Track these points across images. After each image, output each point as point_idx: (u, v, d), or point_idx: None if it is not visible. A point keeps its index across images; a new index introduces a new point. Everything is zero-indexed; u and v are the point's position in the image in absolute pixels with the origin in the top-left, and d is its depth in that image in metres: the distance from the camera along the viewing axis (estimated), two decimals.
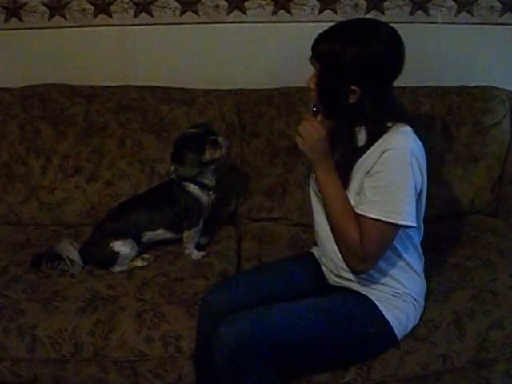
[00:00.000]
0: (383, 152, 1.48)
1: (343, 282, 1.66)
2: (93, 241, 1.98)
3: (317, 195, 1.67)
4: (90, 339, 1.69)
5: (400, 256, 1.61)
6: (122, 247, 1.93)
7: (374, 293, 1.61)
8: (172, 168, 2.00)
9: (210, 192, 2.03)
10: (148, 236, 2.01)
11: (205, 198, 2.01)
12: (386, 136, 1.51)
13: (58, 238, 2.07)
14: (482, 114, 2.24)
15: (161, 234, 2.02)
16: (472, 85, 2.31)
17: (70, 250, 1.92)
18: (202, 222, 2.02)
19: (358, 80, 1.48)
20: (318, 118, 1.58)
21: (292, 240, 2.12)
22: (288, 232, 2.17)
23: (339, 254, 1.59)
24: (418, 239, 1.65)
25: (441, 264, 1.91)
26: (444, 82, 2.33)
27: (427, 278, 1.71)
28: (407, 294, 1.62)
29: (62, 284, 1.85)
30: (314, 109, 1.58)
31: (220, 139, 1.97)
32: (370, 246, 1.50)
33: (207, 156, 1.95)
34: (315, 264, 1.76)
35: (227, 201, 2.25)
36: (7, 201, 2.22)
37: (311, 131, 1.53)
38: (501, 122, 2.24)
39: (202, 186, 2.00)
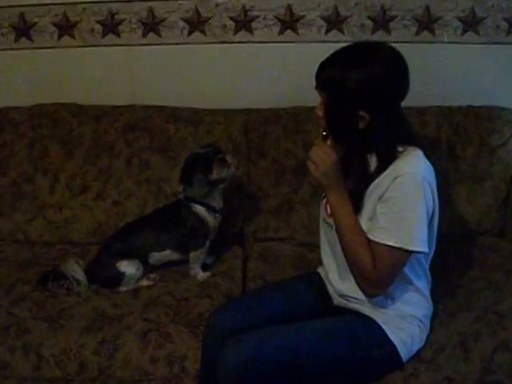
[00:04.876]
0: (395, 178, 1.47)
1: (348, 304, 1.65)
2: (99, 260, 1.99)
3: (325, 221, 1.67)
4: (95, 358, 1.69)
5: (410, 282, 1.60)
6: (127, 268, 1.93)
7: (379, 315, 1.60)
8: (181, 188, 2.00)
9: (217, 214, 2.02)
10: (155, 257, 2.01)
11: (211, 220, 2.00)
12: (397, 161, 1.50)
13: (64, 257, 2.08)
14: (488, 134, 2.24)
15: (168, 255, 2.02)
16: (478, 105, 2.30)
17: (76, 270, 1.93)
18: (208, 244, 2.02)
19: (365, 105, 1.47)
20: (328, 142, 1.57)
21: (298, 260, 2.11)
22: (294, 252, 2.17)
23: (345, 286, 1.61)
24: (427, 262, 1.64)
25: (446, 285, 1.90)
26: (450, 101, 2.33)
27: (433, 298, 1.70)
28: (413, 316, 1.62)
29: (68, 303, 1.86)
30: (324, 133, 1.58)
31: (228, 157, 1.97)
32: (382, 271, 1.50)
33: (214, 175, 1.95)
34: (321, 284, 1.76)
35: (233, 220, 2.25)
36: (15, 219, 2.23)
37: (323, 157, 1.52)
38: (507, 142, 2.23)
39: (209, 208, 2.00)
